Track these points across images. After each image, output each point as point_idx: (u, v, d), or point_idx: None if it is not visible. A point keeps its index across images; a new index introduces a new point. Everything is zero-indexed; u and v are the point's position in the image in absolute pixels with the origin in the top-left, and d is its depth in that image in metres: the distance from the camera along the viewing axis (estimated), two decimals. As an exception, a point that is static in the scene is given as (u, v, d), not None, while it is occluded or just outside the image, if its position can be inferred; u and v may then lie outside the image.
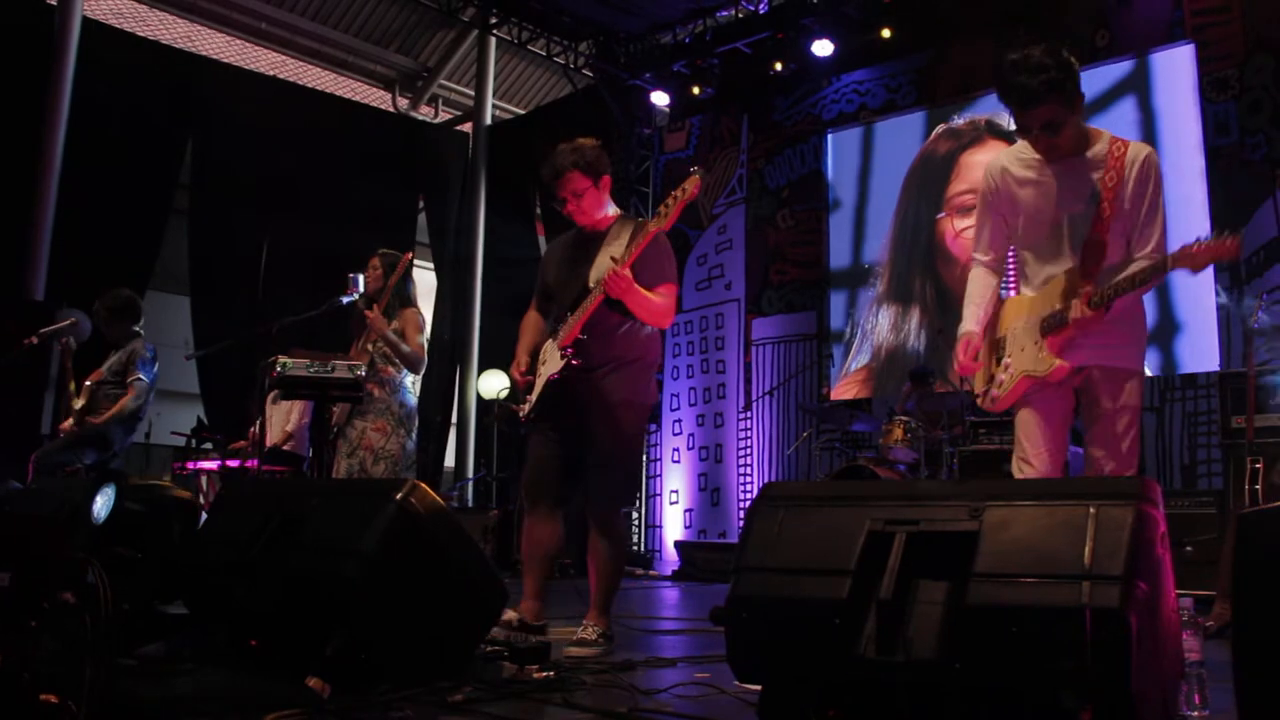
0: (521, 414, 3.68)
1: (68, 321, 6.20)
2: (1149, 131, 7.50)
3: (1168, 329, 7.16)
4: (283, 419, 6.73)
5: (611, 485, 3.62)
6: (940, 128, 8.63)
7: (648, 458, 10.30)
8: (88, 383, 5.93)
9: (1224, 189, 7.07)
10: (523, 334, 3.87)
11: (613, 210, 3.79)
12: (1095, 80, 7.79)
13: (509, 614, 3.60)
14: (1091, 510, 1.84)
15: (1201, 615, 2.71)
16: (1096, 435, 3.08)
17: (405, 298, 5.02)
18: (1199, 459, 7.01)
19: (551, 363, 3.59)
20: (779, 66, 9.42)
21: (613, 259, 3.44)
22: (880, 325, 8.81)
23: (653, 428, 10.32)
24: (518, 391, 3.77)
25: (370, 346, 4.89)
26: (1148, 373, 6.77)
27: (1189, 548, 5.02)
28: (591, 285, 3.57)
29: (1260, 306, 4.80)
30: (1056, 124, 3.00)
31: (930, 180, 8.61)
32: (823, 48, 8.90)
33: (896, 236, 8.80)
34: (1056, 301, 3.05)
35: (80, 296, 8.24)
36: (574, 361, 3.51)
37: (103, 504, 3.03)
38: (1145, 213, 3.04)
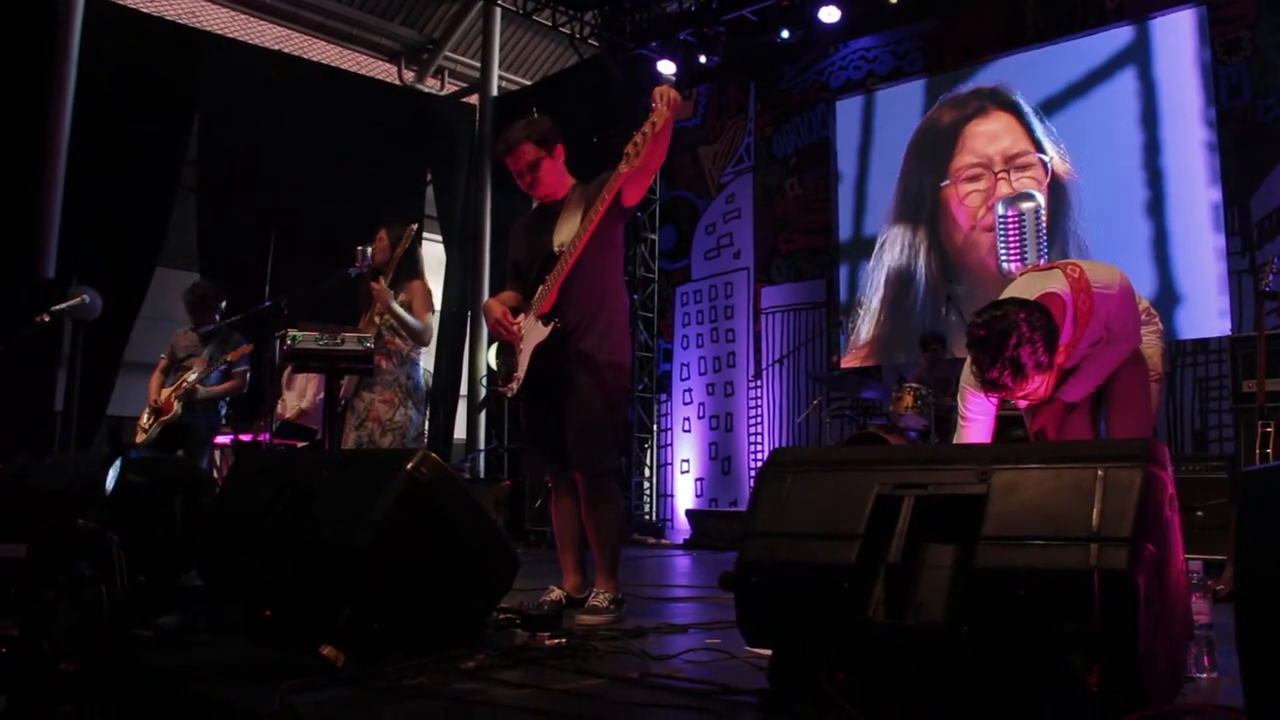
0: (509, 393, 3.69)
1: (77, 299, 6.23)
2: (1149, 101, 7.44)
3: (1169, 299, 7.13)
4: (297, 396, 6.77)
5: (597, 448, 3.58)
6: (942, 97, 8.58)
7: (658, 427, 10.33)
8: (192, 375, 6.04)
9: (1236, 152, 7.02)
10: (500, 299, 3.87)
11: (570, 180, 3.79)
12: (1095, 48, 7.74)
13: (555, 592, 3.65)
14: (1100, 473, 1.84)
15: (1212, 579, 2.72)
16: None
17: (412, 269, 5.01)
18: (1210, 424, 7.00)
19: (534, 334, 3.58)
20: (786, 34, 9.35)
21: (668, 92, 3.36)
22: (884, 298, 8.80)
23: (662, 397, 10.34)
24: (503, 370, 3.77)
25: (378, 319, 4.89)
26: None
27: (1200, 512, 5.02)
28: (557, 250, 3.58)
29: (1272, 270, 4.77)
30: None
31: (933, 150, 8.57)
32: (829, 14, 8.82)
33: (899, 208, 8.77)
34: None
35: (90, 273, 8.27)
36: (557, 325, 3.52)
37: (112, 477, 3.06)
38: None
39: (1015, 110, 8.11)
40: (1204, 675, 2.26)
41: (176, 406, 6.04)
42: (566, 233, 3.59)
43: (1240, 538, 1.64)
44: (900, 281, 8.70)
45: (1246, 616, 1.60)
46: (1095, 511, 1.79)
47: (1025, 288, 3.22)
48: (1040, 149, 7.93)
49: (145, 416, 6.17)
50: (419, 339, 4.96)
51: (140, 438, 6.11)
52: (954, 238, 8.34)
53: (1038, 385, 3.03)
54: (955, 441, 3.44)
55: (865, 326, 8.89)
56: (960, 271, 8.25)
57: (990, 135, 8.24)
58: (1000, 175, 8.09)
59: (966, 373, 3.26)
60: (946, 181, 8.43)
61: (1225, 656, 2.27)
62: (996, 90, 8.24)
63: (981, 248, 8.14)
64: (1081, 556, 1.75)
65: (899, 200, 8.76)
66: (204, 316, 6.35)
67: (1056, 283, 3.20)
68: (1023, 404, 3.32)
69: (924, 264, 8.55)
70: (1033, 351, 2.92)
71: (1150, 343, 3.53)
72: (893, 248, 8.76)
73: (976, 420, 3.30)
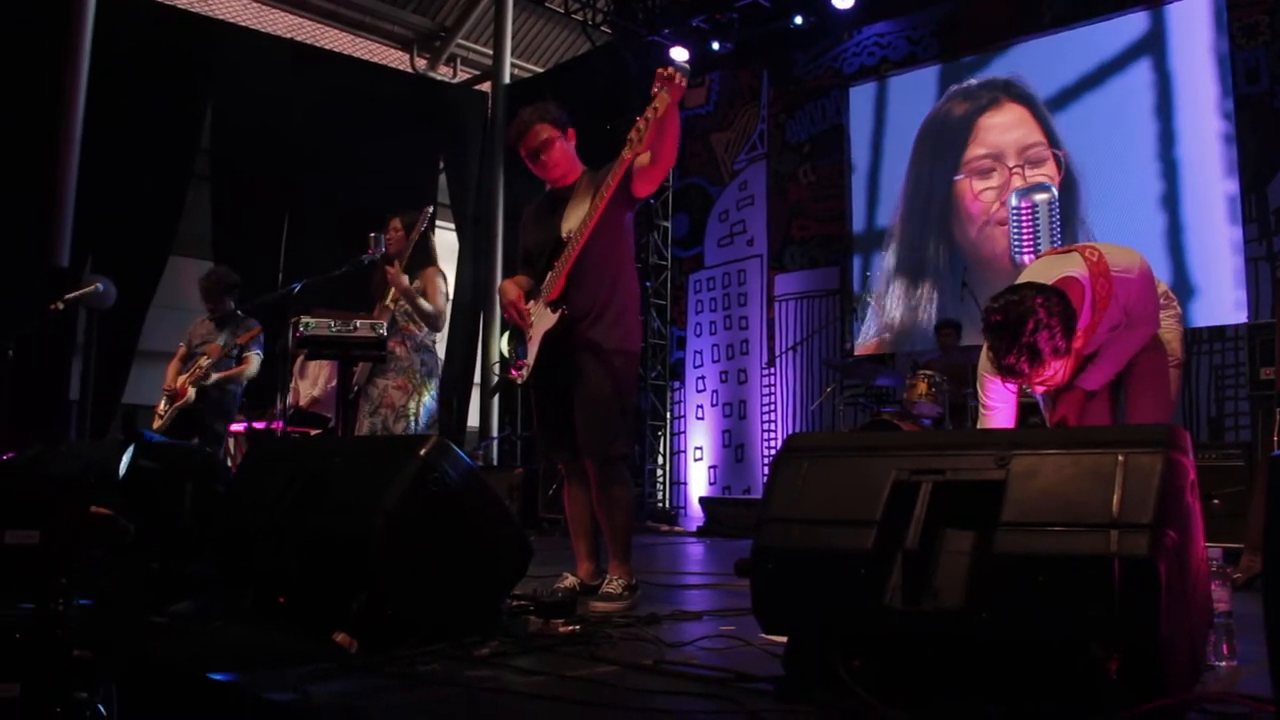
0: (520, 380, 3.68)
1: (91, 287, 6.27)
2: (1164, 91, 7.38)
3: (1184, 291, 7.05)
4: (310, 383, 6.78)
5: (606, 434, 3.57)
6: (952, 88, 8.52)
7: (671, 415, 10.32)
8: (205, 361, 6.06)
9: (1254, 138, 6.94)
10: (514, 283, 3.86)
11: (580, 166, 3.79)
12: (1110, 38, 7.67)
13: (568, 579, 3.65)
14: (1120, 458, 1.82)
15: (1230, 567, 2.69)
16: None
17: (426, 256, 5.01)
18: (1226, 412, 6.95)
19: (543, 320, 3.58)
20: (799, 20, 9.30)
21: (670, 74, 3.32)
22: (893, 290, 8.77)
23: (675, 384, 10.33)
24: (514, 357, 3.76)
25: (392, 305, 4.89)
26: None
27: (1216, 500, 4.99)
28: (564, 237, 3.57)
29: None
30: None
31: (945, 143, 8.52)
32: (843, 0, 8.78)
33: (908, 200, 8.72)
34: None
35: (104, 262, 8.29)
36: (564, 312, 3.52)
37: (125, 463, 3.06)
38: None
39: (1029, 103, 8.05)
40: (1223, 664, 2.24)
41: (191, 393, 6.06)
42: (574, 219, 3.58)
43: (1270, 522, 1.61)
44: (913, 270, 8.66)
45: (1275, 602, 1.58)
46: (1116, 497, 1.77)
47: (1043, 271, 3.17)
48: (1054, 143, 7.87)
49: (162, 404, 6.20)
50: (433, 324, 4.96)
51: (157, 424, 6.14)
52: (967, 231, 8.30)
53: (1055, 371, 2.99)
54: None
55: (879, 315, 8.85)
56: (974, 264, 8.21)
57: (1003, 127, 8.18)
58: (1014, 170, 8.04)
59: (984, 360, 3.22)
60: (960, 175, 8.37)
61: (1244, 645, 2.25)
62: (1010, 82, 8.18)
63: (995, 241, 8.10)
64: (1102, 543, 1.73)
65: (911, 190, 8.72)
66: (218, 302, 6.38)
67: (1075, 266, 3.15)
68: (1039, 390, 3.28)
69: (937, 254, 8.50)
70: (1050, 337, 2.88)
71: (1169, 327, 3.49)
72: (905, 237, 8.72)
73: (998, 408, 3.26)
